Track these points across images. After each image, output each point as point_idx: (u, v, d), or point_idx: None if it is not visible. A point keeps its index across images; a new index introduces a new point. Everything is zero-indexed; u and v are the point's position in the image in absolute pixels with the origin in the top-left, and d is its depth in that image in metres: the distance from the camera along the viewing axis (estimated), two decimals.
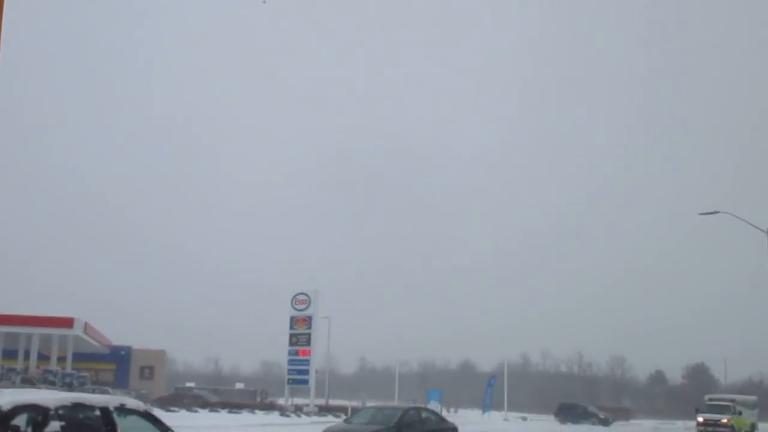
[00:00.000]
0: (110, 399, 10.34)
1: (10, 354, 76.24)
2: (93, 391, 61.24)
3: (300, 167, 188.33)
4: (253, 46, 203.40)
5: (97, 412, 9.63)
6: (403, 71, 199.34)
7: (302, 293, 63.53)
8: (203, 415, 51.72)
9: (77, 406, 9.51)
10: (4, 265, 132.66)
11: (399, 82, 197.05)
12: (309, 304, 63.00)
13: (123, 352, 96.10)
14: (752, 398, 58.96)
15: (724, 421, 49.19)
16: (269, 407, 62.36)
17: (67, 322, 71.30)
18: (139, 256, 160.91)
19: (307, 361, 62.54)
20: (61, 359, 78.49)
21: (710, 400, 55.07)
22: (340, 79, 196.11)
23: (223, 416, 52.02)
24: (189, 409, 56.20)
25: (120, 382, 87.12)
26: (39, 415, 8.91)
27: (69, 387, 63.76)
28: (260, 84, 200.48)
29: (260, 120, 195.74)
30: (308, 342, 62.66)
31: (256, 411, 58.07)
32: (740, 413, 51.14)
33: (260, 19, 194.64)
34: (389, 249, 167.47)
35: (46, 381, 65.35)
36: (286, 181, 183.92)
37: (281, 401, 66.87)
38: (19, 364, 74.23)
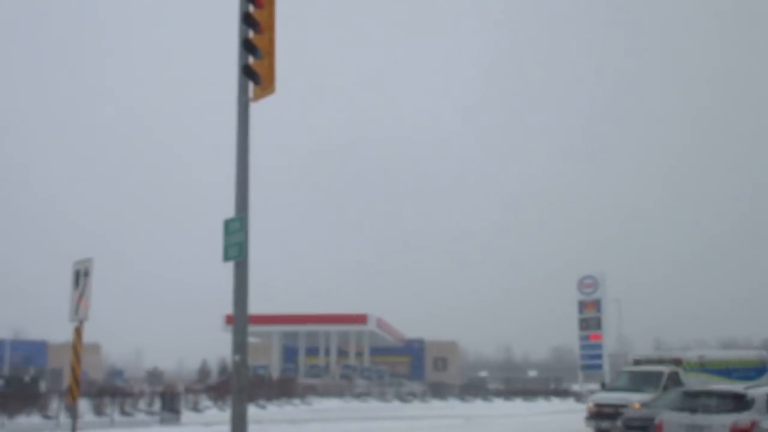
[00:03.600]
0: None
1: (312, 351, 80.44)
2: (390, 384, 63.22)
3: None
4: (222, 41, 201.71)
5: None
6: (380, 62, 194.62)
7: (589, 276, 62.11)
8: (498, 404, 51.86)
9: None
10: (299, 265, 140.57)
11: (376, 72, 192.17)
12: (596, 287, 61.49)
13: (416, 345, 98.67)
14: (749, 355, 31.74)
15: (636, 406, 24.87)
16: (564, 394, 61.59)
17: (361, 319, 74.04)
18: (426, 250, 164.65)
19: (599, 345, 61.08)
20: (359, 354, 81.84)
21: (636, 362, 30.62)
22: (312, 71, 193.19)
23: (518, 404, 51.86)
24: (484, 398, 56.61)
25: (415, 374, 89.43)
26: None
27: (368, 380, 66.14)
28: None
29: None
30: (599, 326, 61.19)
31: (551, 398, 57.56)
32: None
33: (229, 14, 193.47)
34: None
35: (348, 377, 68.21)
36: None
37: (575, 387, 65.80)
38: (320, 361, 78.18)
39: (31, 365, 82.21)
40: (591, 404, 26.76)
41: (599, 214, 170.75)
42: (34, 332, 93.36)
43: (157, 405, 39.46)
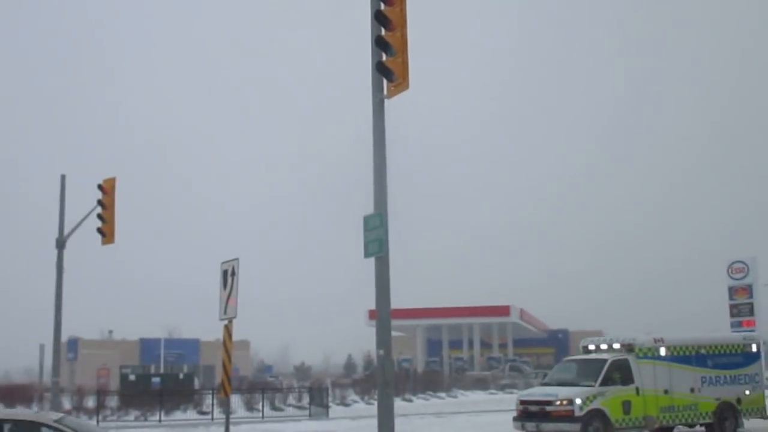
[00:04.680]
0: None
1: (455, 344, 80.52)
2: (536, 376, 62.61)
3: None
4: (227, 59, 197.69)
5: None
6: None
7: (739, 261, 59.92)
8: None
9: None
10: (446, 262, 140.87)
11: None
12: (747, 272, 59.29)
13: (560, 335, 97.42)
14: (733, 338, 25.30)
15: (561, 404, 20.77)
16: None
17: (504, 310, 73.64)
18: (569, 240, 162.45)
19: (753, 331, 58.93)
20: (502, 346, 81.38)
21: (584, 348, 24.37)
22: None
23: None
24: None
25: None
26: None
27: (518, 371, 65.71)
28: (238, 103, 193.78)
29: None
30: (751, 312, 58.97)
31: None
32: (623, 382, 21.53)
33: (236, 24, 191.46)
34: None
35: (492, 368, 67.98)
36: None
37: None
38: (464, 353, 78.15)
39: (185, 362, 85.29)
40: (518, 401, 22.52)
41: (746, 198, 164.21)
42: (187, 331, 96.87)
43: (305, 400, 40.30)
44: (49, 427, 10.26)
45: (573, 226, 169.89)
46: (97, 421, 35.17)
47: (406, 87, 13.71)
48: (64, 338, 34.20)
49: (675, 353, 22.74)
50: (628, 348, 22.39)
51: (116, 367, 70.78)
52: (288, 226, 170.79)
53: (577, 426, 20.30)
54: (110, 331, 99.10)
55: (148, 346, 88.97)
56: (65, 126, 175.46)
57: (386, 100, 14.17)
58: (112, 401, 38.65)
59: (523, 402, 21.98)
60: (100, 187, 25.25)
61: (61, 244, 26.71)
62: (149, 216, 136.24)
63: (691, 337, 24.03)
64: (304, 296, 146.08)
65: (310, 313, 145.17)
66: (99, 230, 25.14)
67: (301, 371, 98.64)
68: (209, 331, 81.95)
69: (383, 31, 13.93)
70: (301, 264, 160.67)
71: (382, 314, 13.62)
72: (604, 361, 21.92)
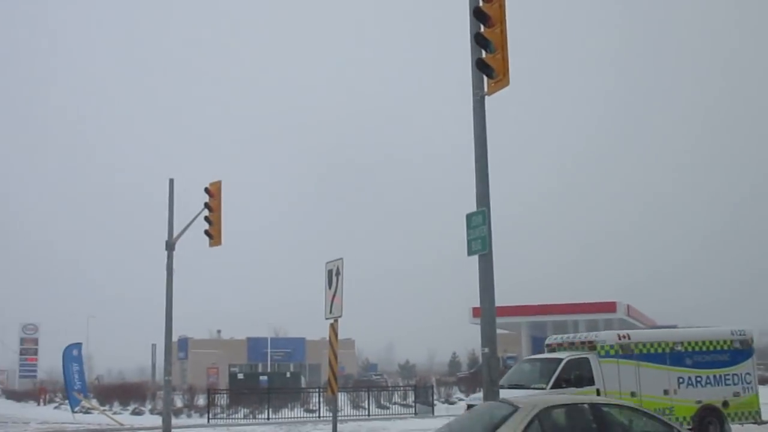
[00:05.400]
0: None
1: None
2: None
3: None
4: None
5: None
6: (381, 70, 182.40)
7: None
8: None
9: None
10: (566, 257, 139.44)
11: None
12: None
13: None
14: (720, 333, 22.07)
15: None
16: None
17: (610, 307, 72.44)
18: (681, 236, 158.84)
19: None
20: None
21: (547, 345, 22.64)
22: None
23: None
24: None
25: None
26: None
27: None
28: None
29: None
30: None
31: None
32: (582, 384, 19.39)
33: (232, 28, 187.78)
34: None
35: None
36: None
37: None
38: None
39: (291, 361, 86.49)
40: (466, 406, 21.15)
41: None
42: (292, 330, 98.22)
43: (410, 398, 40.43)
44: (638, 411, 11.36)
45: (679, 219, 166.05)
46: (208, 419, 36.04)
47: (507, 83, 13.61)
48: (174, 338, 35.04)
49: (644, 351, 20.70)
50: (590, 346, 20.60)
51: (225, 366, 72.33)
52: (391, 225, 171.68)
53: None
54: (219, 331, 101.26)
55: (255, 345, 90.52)
56: (174, 129, 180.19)
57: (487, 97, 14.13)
58: (222, 399, 39.50)
59: (469, 406, 19.95)
60: (206, 190, 25.75)
61: (170, 246, 27.30)
62: (255, 217, 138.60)
63: (665, 333, 22.21)
64: (408, 295, 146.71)
65: (414, 311, 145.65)
66: (206, 232, 25.62)
67: (406, 369, 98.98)
68: (314, 330, 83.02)
69: (482, 28, 13.87)
70: (405, 263, 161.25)
71: (487, 312, 13.57)
72: (559, 360, 20.01)
